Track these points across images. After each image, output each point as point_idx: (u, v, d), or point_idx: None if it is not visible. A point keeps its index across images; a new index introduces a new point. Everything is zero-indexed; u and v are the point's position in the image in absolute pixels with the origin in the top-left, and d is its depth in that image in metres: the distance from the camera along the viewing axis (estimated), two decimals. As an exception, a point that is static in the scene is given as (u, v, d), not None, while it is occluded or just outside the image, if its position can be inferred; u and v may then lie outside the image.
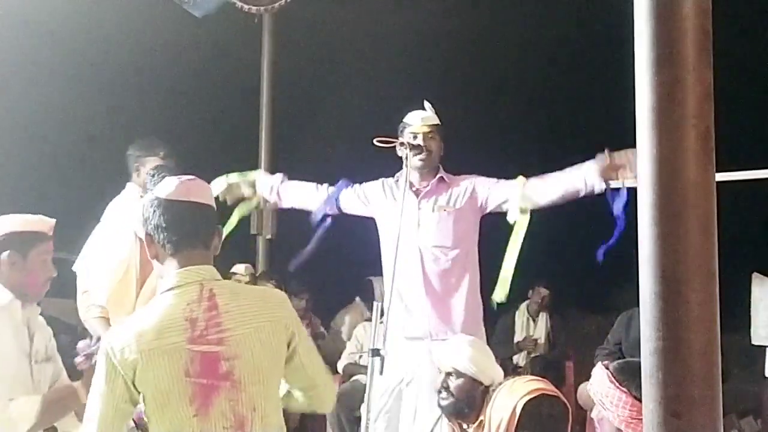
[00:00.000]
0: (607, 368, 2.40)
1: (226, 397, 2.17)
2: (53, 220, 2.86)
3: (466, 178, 3.95)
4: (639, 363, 2.35)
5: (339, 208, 3.98)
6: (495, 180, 3.88)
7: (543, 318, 6.63)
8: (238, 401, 2.19)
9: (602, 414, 2.37)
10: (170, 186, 2.26)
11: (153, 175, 3.78)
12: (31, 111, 6.62)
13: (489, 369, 3.35)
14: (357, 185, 4.00)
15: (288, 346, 2.28)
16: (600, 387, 2.37)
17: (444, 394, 3.31)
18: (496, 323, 6.24)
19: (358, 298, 6.13)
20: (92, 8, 5.64)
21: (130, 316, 2.36)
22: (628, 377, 2.24)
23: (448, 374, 3.32)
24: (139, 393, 2.17)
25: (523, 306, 6.69)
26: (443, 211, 3.84)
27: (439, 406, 3.34)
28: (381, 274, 4.01)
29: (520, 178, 3.82)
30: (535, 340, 6.53)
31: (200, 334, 2.17)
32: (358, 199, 3.98)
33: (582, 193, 3.73)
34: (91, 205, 4.16)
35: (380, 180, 4.00)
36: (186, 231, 2.24)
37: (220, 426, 2.16)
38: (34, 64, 6.51)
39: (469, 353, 3.34)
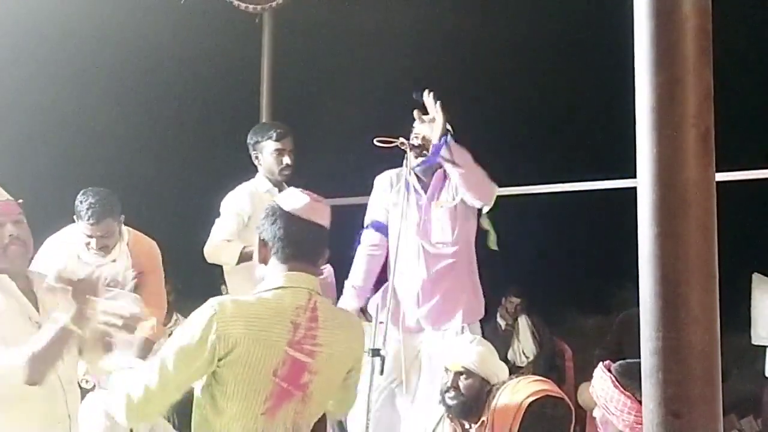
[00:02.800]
0: (610, 371, 2.39)
1: (294, 407, 2.24)
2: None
3: None
4: (637, 363, 2.34)
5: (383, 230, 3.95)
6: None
7: (523, 320, 6.59)
8: (302, 414, 2.27)
9: (606, 417, 2.36)
10: (297, 202, 2.32)
11: (84, 205, 3.73)
12: (30, 111, 6.61)
13: (497, 368, 3.38)
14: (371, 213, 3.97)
15: (348, 372, 2.41)
16: (604, 392, 2.36)
17: (453, 393, 3.31)
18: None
19: None
20: (92, 8, 5.64)
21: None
22: (632, 381, 2.23)
23: (458, 374, 3.32)
24: (215, 372, 2.15)
25: (498, 316, 6.62)
26: (440, 207, 3.85)
27: (447, 405, 3.34)
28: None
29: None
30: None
31: (299, 341, 2.23)
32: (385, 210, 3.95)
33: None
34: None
35: (388, 172, 3.99)
36: (301, 248, 2.30)
37: (280, 431, 2.22)
38: (34, 64, 6.51)
39: (479, 352, 3.36)
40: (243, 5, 5.20)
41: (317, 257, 2.35)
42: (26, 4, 5.39)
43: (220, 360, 2.15)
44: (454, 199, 3.83)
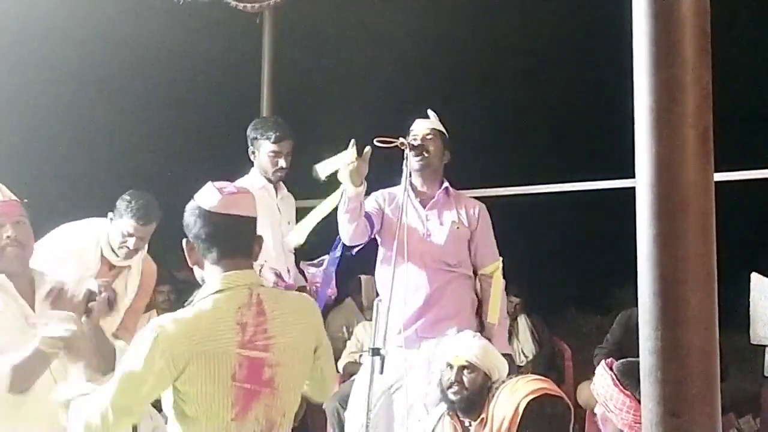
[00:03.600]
0: (611, 369, 2.39)
1: (263, 403, 2.20)
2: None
3: (473, 200, 3.97)
4: (638, 363, 2.34)
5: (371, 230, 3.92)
6: (491, 240, 3.91)
7: (522, 320, 6.59)
8: (272, 407, 2.22)
9: (606, 415, 2.37)
10: (212, 198, 2.22)
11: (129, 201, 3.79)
12: (30, 111, 6.62)
13: (499, 362, 3.40)
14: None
15: (314, 352, 2.34)
16: (604, 390, 2.37)
17: (456, 388, 3.32)
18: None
19: (348, 298, 6.14)
20: (92, 8, 5.64)
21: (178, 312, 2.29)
22: (632, 380, 2.24)
23: (462, 368, 3.33)
24: (176, 389, 2.13)
25: None
26: (456, 227, 3.85)
27: (450, 401, 3.35)
28: (371, 273, 4.02)
29: (498, 263, 3.89)
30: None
31: (249, 339, 2.17)
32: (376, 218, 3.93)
33: None
34: (91, 205, 4.16)
35: (382, 191, 3.99)
36: (227, 244, 2.22)
37: (252, 430, 2.18)
38: (33, 64, 6.51)
39: (482, 346, 3.38)
40: (242, 5, 5.20)
41: (248, 250, 2.27)
42: (26, 4, 5.39)
43: (175, 380, 2.12)
44: (461, 221, 3.85)
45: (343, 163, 3.57)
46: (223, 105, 7.33)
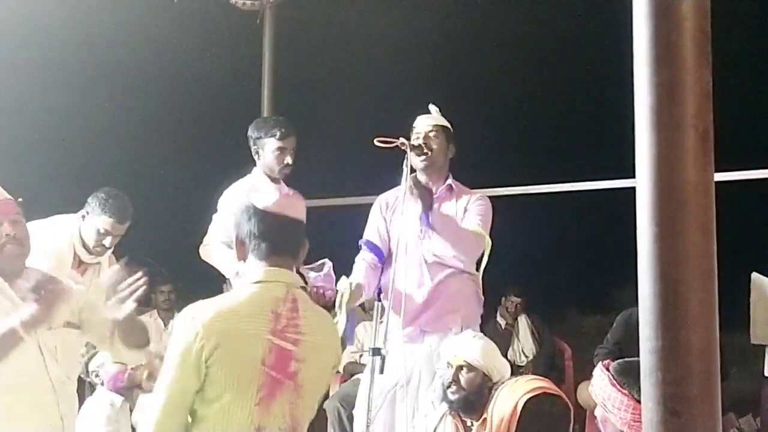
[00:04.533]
0: (608, 369, 2.40)
1: (288, 398, 2.26)
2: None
3: (475, 193, 3.96)
4: (639, 363, 2.34)
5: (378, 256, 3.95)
6: (483, 215, 3.87)
7: (523, 320, 6.59)
8: (297, 405, 2.28)
9: (605, 416, 2.37)
10: (269, 198, 2.35)
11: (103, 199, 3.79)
12: (30, 111, 6.62)
13: (499, 363, 3.39)
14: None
15: (333, 367, 2.48)
16: (602, 390, 2.37)
17: (454, 388, 3.32)
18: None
19: None
20: (92, 8, 5.64)
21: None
22: (630, 379, 2.24)
23: (460, 368, 3.34)
24: (207, 368, 2.18)
25: (498, 315, 6.63)
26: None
27: (449, 400, 3.35)
28: None
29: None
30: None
31: (282, 329, 2.26)
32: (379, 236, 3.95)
33: None
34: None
35: (385, 194, 4.00)
36: (278, 243, 2.33)
37: (277, 425, 2.24)
38: (34, 65, 6.51)
39: (481, 347, 3.38)
40: (241, 2, 5.21)
41: (295, 251, 2.39)
42: (27, 4, 5.39)
43: (206, 360, 2.17)
44: (458, 216, 3.84)
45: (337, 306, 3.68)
46: (224, 105, 7.34)
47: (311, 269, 4.06)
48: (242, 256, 2.36)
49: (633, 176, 1.78)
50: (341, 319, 3.64)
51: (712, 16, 1.75)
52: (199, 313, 2.21)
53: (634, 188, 1.78)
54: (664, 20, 1.72)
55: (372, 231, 3.94)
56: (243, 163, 4.25)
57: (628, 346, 5.22)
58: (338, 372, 5.52)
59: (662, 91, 1.72)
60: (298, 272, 4.16)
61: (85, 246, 3.90)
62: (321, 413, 4.56)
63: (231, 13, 5.33)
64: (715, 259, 1.72)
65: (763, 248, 6.47)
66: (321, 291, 3.84)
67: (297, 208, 2.39)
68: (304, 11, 5.82)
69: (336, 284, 3.81)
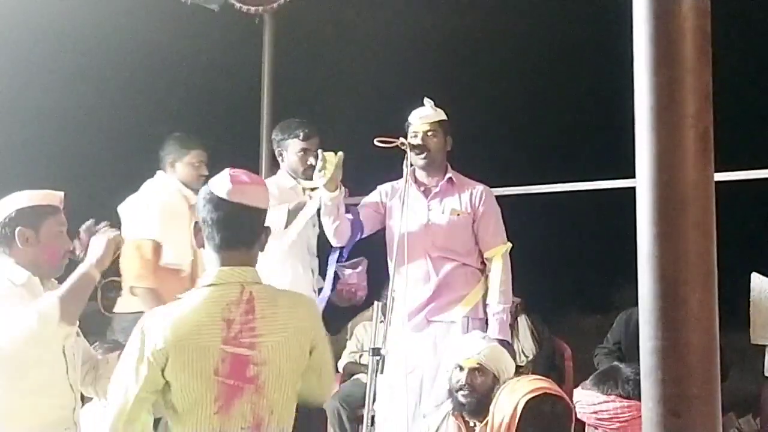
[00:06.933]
0: (585, 388, 2.40)
1: (248, 399, 2.22)
2: (61, 193, 2.85)
3: (476, 184, 3.96)
4: (611, 367, 2.34)
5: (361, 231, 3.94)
6: (494, 223, 3.89)
7: (522, 320, 6.59)
8: (258, 404, 2.24)
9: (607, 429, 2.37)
10: (225, 185, 2.27)
11: None
12: (31, 111, 6.62)
13: (508, 364, 3.40)
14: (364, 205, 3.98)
15: (309, 353, 2.35)
16: (588, 409, 2.37)
17: (467, 391, 3.31)
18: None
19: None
20: (92, 8, 5.64)
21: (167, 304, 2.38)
22: (607, 381, 2.25)
23: (473, 370, 3.32)
24: (165, 382, 2.19)
25: None
26: (456, 215, 3.84)
27: (460, 403, 3.34)
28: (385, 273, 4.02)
29: (505, 246, 3.88)
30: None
31: (234, 336, 2.20)
32: (374, 214, 3.95)
33: None
34: (94, 204, 4.16)
35: (387, 184, 4.01)
36: (230, 232, 2.27)
37: (239, 426, 2.21)
38: (34, 65, 6.51)
39: (493, 347, 3.38)
40: (245, 7, 5.21)
41: (250, 241, 2.30)
42: (27, 4, 5.39)
43: (162, 371, 2.18)
44: (464, 209, 3.84)
45: (316, 171, 3.62)
46: (224, 105, 7.34)
47: (346, 267, 4.06)
48: (200, 244, 2.31)
49: (633, 176, 1.78)
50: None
51: (712, 16, 1.75)
52: (149, 326, 2.20)
53: (634, 188, 1.79)
54: (664, 20, 1.72)
55: (365, 204, 3.97)
56: (243, 163, 4.24)
57: (627, 346, 5.22)
58: (338, 372, 5.52)
59: (662, 91, 1.72)
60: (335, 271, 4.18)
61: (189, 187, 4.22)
62: (321, 413, 4.56)
63: (231, 14, 5.33)
64: (715, 259, 1.72)
65: (763, 248, 6.47)
66: (353, 289, 3.86)
67: (253, 195, 2.30)
68: (303, 11, 5.82)
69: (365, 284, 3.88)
